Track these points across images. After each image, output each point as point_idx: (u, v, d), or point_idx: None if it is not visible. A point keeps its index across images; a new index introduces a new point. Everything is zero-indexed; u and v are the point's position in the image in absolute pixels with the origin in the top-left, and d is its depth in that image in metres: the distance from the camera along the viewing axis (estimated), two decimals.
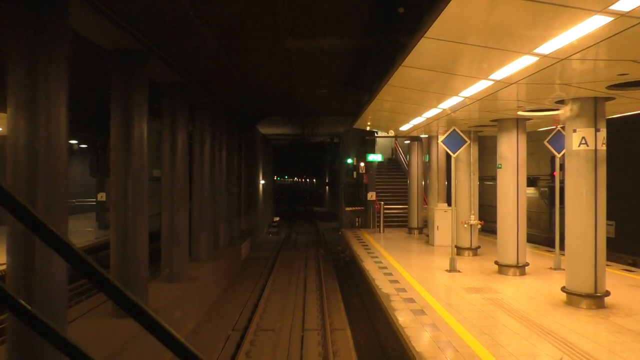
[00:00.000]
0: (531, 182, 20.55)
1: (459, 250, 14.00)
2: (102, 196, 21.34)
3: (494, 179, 23.17)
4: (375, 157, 21.49)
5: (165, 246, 11.08)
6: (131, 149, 8.08)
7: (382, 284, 10.34)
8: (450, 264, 11.57)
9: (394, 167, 26.63)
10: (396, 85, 8.55)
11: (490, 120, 11.58)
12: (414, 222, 19.40)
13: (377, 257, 13.89)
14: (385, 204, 21.81)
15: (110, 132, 8.17)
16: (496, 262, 11.40)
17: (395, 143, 27.91)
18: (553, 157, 19.87)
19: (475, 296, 9.08)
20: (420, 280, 10.61)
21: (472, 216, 13.70)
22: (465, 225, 13.67)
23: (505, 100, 9.01)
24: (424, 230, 19.37)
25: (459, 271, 11.50)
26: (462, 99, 8.84)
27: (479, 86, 7.81)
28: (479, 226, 13.85)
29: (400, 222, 21.37)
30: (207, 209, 14.10)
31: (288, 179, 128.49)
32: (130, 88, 8.05)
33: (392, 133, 22.17)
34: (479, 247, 14.04)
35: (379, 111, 11.68)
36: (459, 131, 11.44)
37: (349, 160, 24.49)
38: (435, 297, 9.00)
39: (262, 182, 29.26)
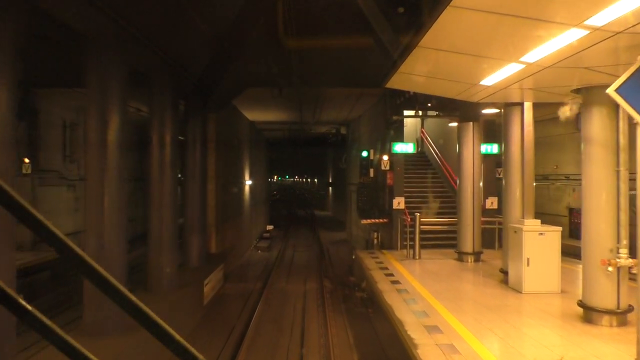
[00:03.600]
0: None
1: (591, 312, 7.43)
2: None
3: (546, 178, 16.75)
4: (404, 147, 14.85)
5: None
6: None
7: None
8: None
9: (422, 164, 20.02)
10: None
11: None
12: (468, 244, 12.79)
13: (436, 326, 7.26)
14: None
15: None
16: None
17: (422, 131, 21.30)
18: None
19: None
20: None
21: (623, 250, 7.06)
22: (610, 268, 7.05)
23: None
24: (481, 256, 12.81)
25: None
26: None
27: None
28: (634, 268, 7.21)
29: (437, 241, 14.79)
30: (117, 232, 7.50)
31: (289, 179, 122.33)
32: None
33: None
34: (630, 307, 7.42)
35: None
36: None
37: (364, 154, 17.90)
38: None
39: (248, 182, 22.67)
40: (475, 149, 12.82)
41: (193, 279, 11.87)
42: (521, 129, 9.91)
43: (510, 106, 10.11)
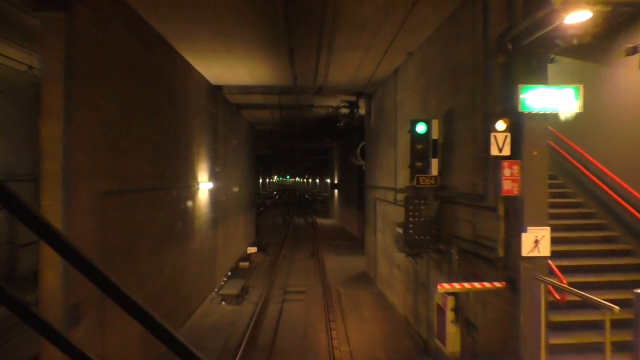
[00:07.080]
0: None
1: None
2: None
3: None
4: (552, 99, 5.60)
5: None
6: None
7: None
8: None
9: None
10: None
11: None
12: None
13: None
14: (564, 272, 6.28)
15: None
16: None
17: None
18: None
19: None
20: None
21: None
22: None
23: None
24: None
25: None
26: None
27: None
28: None
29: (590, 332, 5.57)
30: None
31: (290, 179, 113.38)
32: None
33: None
34: None
35: None
36: None
37: (420, 128, 8.70)
38: None
39: (207, 186, 13.48)
40: None
41: None
42: None
43: None
